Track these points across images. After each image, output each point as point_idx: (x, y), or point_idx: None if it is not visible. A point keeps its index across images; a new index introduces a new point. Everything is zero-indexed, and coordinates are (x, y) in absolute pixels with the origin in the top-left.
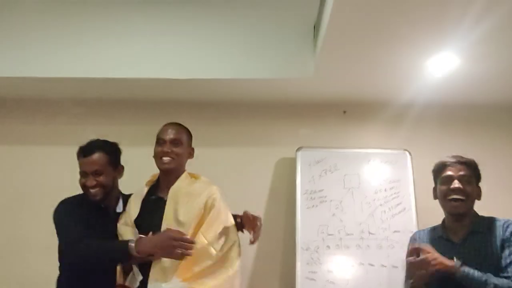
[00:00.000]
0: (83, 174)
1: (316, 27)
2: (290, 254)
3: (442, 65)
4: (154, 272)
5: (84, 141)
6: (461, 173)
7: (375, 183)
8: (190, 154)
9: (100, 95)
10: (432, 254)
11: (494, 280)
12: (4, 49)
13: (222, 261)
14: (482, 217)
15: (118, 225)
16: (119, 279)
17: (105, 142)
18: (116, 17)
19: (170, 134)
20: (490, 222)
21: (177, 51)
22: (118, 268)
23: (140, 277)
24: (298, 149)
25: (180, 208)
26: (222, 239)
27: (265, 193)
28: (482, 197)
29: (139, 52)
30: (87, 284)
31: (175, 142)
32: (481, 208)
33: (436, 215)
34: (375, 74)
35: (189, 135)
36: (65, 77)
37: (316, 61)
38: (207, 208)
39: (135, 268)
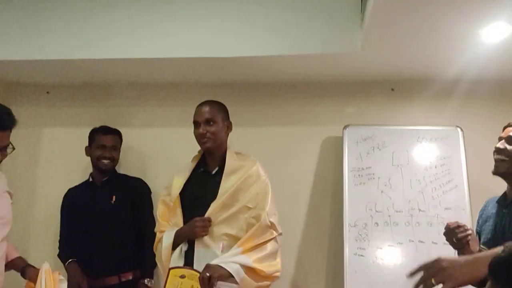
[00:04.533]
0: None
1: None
2: (338, 231)
3: (495, 34)
4: (199, 241)
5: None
6: (510, 134)
7: (425, 160)
8: (228, 127)
9: (152, 77)
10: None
11: None
12: (63, 32)
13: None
14: None
15: (160, 199)
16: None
17: None
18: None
19: (203, 115)
20: None
21: (222, 29)
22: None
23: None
24: (345, 127)
25: (241, 190)
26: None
27: (312, 171)
28: None
29: (188, 32)
30: None
31: (209, 122)
32: None
33: (490, 191)
34: (425, 47)
35: (223, 110)
36: (121, 58)
37: (363, 35)
38: (266, 187)
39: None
